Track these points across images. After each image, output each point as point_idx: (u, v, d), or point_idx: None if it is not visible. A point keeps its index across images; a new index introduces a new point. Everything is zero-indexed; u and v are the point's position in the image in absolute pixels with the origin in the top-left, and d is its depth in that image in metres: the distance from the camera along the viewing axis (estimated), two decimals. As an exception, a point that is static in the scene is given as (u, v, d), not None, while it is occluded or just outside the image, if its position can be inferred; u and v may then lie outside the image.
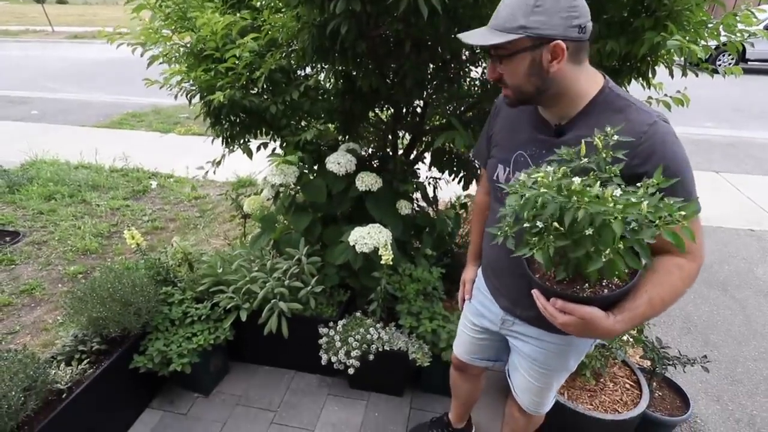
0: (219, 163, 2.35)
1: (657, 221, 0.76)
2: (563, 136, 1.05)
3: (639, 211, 0.76)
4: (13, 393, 1.53)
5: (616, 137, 0.89)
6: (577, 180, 0.81)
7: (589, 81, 1.03)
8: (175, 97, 2.04)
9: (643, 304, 0.92)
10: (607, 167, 0.89)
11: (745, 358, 2.49)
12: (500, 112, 1.25)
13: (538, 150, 1.10)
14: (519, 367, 1.38)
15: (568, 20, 0.93)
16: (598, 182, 0.82)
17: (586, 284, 0.90)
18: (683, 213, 0.76)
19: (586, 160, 0.90)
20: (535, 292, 0.95)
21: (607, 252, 0.78)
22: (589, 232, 0.77)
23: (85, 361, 1.83)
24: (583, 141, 0.93)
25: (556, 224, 0.81)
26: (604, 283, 0.90)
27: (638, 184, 0.82)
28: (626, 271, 0.89)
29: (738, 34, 1.53)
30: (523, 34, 0.95)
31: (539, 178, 0.84)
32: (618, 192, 0.79)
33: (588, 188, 0.79)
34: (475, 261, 1.57)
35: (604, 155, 0.89)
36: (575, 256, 0.83)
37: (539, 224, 0.84)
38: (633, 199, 0.77)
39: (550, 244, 0.83)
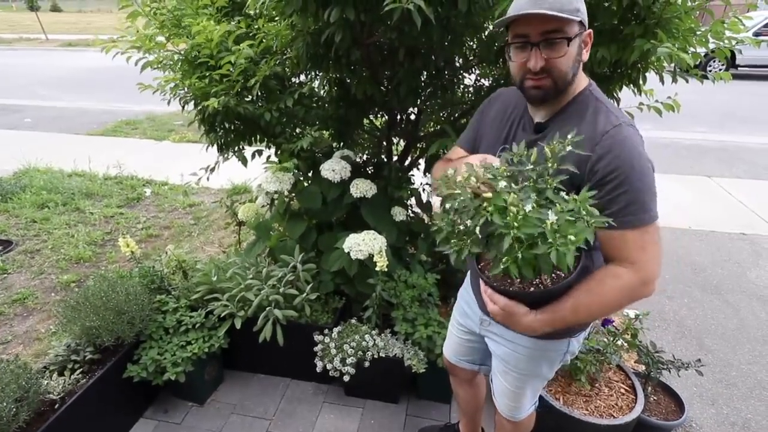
0: (213, 169, 2.34)
1: (551, 238, 0.78)
2: (541, 133, 1.08)
3: (542, 223, 0.79)
4: (5, 404, 1.51)
5: (569, 148, 0.88)
6: (502, 185, 0.84)
7: (579, 78, 1.05)
8: (168, 102, 2.04)
9: (566, 308, 0.95)
10: (548, 179, 0.88)
11: (740, 362, 2.50)
12: (494, 104, 1.24)
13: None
14: (496, 370, 1.40)
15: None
16: (519, 192, 0.84)
17: (518, 280, 0.93)
18: (573, 238, 0.78)
19: (531, 167, 0.90)
20: (480, 281, 1.01)
21: (504, 260, 0.81)
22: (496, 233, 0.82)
23: (78, 371, 1.82)
24: (528, 148, 0.93)
25: (476, 229, 0.85)
26: (535, 282, 0.94)
27: (565, 197, 0.84)
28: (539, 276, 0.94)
29: (726, 41, 1.56)
30: (579, 18, 0.96)
31: (461, 178, 0.88)
32: (529, 207, 0.80)
33: (505, 195, 0.82)
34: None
35: (549, 164, 0.89)
36: (489, 258, 0.88)
37: (461, 227, 0.88)
38: (549, 213, 0.79)
39: (465, 246, 0.87)
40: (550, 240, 0.78)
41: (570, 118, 1.03)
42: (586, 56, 1.00)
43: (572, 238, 0.78)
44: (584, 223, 0.80)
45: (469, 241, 0.87)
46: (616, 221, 0.94)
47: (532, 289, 0.94)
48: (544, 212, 0.80)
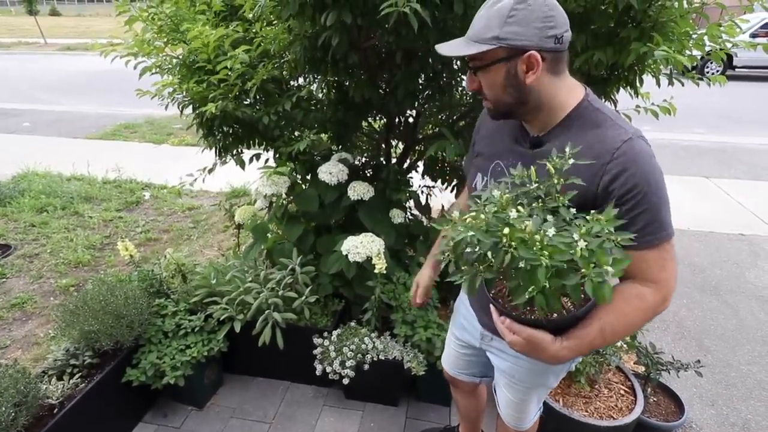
0: (211, 170, 2.34)
1: (585, 268, 0.72)
2: (538, 149, 1.04)
3: (571, 249, 0.73)
4: (4, 408, 1.51)
5: (572, 161, 0.85)
6: (513, 214, 0.78)
7: (569, 93, 1.01)
8: (166, 107, 2.04)
9: (593, 332, 0.91)
10: (557, 197, 0.84)
11: (739, 363, 2.50)
12: (485, 121, 1.23)
13: (514, 161, 1.06)
14: (500, 382, 1.38)
15: (543, 31, 0.92)
16: (531, 218, 0.79)
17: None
18: (610, 269, 0.72)
19: (536, 185, 0.86)
20: (492, 308, 0.95)
21: (531, 290, 0.76)
22: (521, 264, 0.75)
23: (77, 376, 1.81)
24: (532, 167, 0.90)
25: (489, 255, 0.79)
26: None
27: (587, 217, 0.78)
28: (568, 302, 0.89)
29: (722, 44, 1.57)
30: (496, 45, 0.93)
31: (469, 219, 0.82)
32: (552, 231, 0.75)
33: (521, 225, 0.76)
34: (432, 263, 1.50)
35: (555, 181, 0.85)
36: (510, 287, 0.81)
37: (475, 253, 0.81)
38: (574, 236, 0.73)
39: (479, 274, 0.81)
40: (583, 269, 0.72)
41: (571, 135, 0.98)
42: (532, 78, 0.95)
43: (609, 269, 0.71)
44: (611, 243, 0.74)
45: (482, 267, 0.81)
46: (636, 242, 0.90)
47: (555, 315, 0.87)
48: (567, 235, 0.74)
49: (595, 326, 0.91)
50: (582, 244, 0.72)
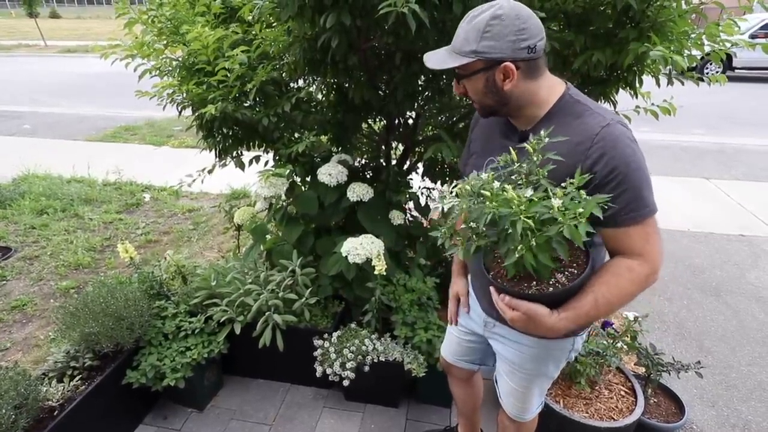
0: (210, 171, 2.34)
1: (560, 218, 0.83)
2: (525, 141, 1.10)
3: (549, 209, 0.84)
4: (4, 411, 1.51)
5: (547, 139, 0.94)
6: (496, 185, 0.89)
7: (550, 90, 1.09)
8: (164, 108, 2.05)
9: (588, 303, 0.97)
10: (537, 170, 0.94)
11: (739, 363, 2.50)
12: (478, 121, 1.32)
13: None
14: (501, 371, 1.41)
15: (516, 43, 1.00)
16: (512, 186, 0.90)
17: (534, 282, 0.95)
18: (581, 210, 0.83)
19: (518, 165, 0.96)
20: (491, 288, 1.01)
21: (520, 248, 0.85)
22: (510, 231, 0.85)
23: (78, 378, 1.81)
24: (511, 148, 1.00)
25: (477, 225, 0.90)
26: (551, 282, 0.95)
27: (563, 185, 0.89)
28: (560, 268, 0.97)
29: (720, 44, 1.57)
30: (474, 58, 1.03)
31: (457, 189, 0.93)
32: (529, 192, 0.87)
33: (502, 192, 0.87)
34: (462, 272, 1.53)
35: (535, 158, 0.95)
36: (502, 253, 0.91)
37: (472, 225, 0.93)
38: (552, 200, 0.85)
39: (473, 242, 0.92)
40: (560, 219, 0.82)
41: (557, 124, 1.06)
42: (508, 86, 1.04)
43: (581, 210, 0.83)
44: (582, 202, 0.85)
45: (474, 236, 0.91)
46: (620, 220, 0.99)
47: (550, 289, 0.94)
48: (547, 202, 0.85)
49: (590, 298, 0.97)
50: (557, 202, 0.84)
